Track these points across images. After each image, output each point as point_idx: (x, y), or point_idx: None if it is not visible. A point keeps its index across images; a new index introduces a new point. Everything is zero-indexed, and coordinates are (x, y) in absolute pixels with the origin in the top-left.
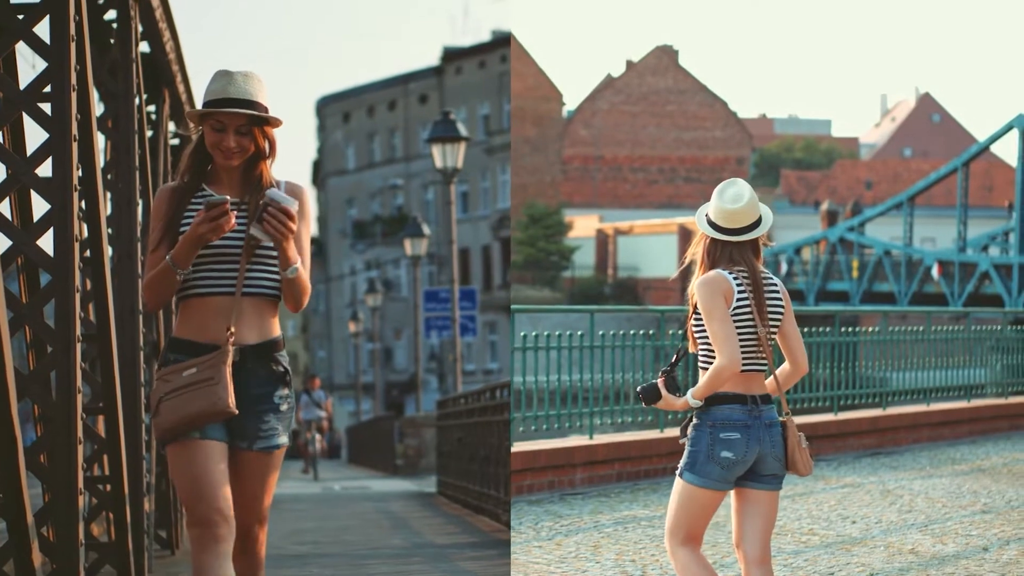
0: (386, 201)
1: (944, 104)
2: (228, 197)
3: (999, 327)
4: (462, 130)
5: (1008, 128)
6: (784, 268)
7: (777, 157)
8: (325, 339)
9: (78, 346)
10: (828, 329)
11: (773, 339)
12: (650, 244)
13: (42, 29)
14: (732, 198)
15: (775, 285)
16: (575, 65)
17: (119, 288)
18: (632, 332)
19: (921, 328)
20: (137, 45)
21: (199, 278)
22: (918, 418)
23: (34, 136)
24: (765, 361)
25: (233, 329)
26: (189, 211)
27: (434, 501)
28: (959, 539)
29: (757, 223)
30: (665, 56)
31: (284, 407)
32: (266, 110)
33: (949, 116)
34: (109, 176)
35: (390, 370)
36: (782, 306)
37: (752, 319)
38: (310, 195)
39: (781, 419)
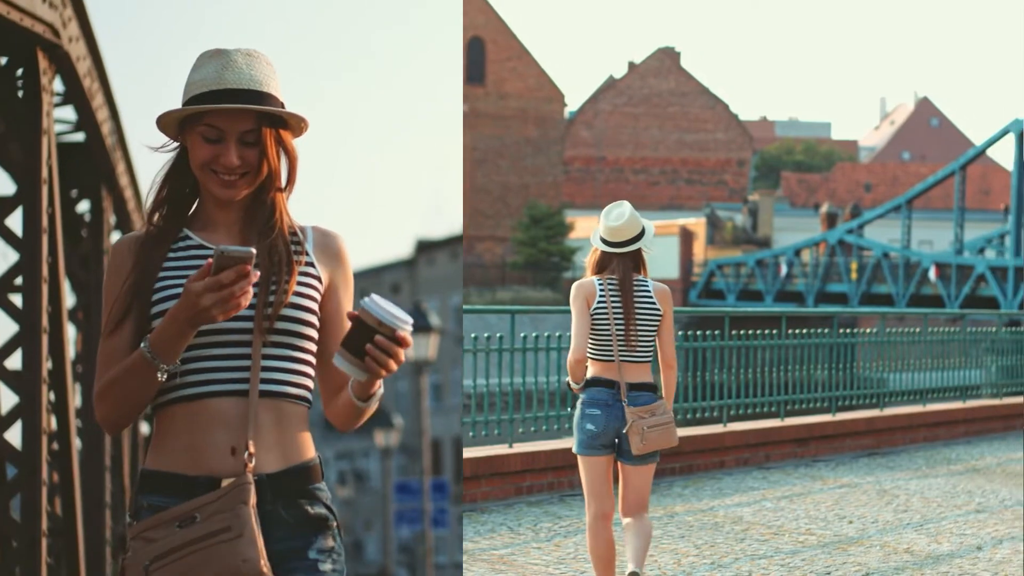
0: None
1: (942, 108)
2: (253, 250)
3: (994, 329)
4: (434, 321)
5: (1004, 132)
6: (784, 270)
7: (778, 159)
8: None
9: (44, 541)
10: (827, 330)
11: (651, 336)
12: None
13: (14, 220)
14: (615, 218)
15: (647, 290)
16: (577, 66)
17: (86, 481)
18: None
19: (918, 330)
20: (109, 236)
21: (187, 371)
22: (914, 419)
23: (3, 327)
24: (631, 354)
25: (252, 449)
26: (167, 271)
27: None
28: (954, 538)
29: (637, 238)
30: (667, 58)
31: (327, 566)
32: (281, 106)
33: (947, 120)
34: (79, 368)
35: (360, 563)
36: (654, 308)
37: (607, 318)
38: None
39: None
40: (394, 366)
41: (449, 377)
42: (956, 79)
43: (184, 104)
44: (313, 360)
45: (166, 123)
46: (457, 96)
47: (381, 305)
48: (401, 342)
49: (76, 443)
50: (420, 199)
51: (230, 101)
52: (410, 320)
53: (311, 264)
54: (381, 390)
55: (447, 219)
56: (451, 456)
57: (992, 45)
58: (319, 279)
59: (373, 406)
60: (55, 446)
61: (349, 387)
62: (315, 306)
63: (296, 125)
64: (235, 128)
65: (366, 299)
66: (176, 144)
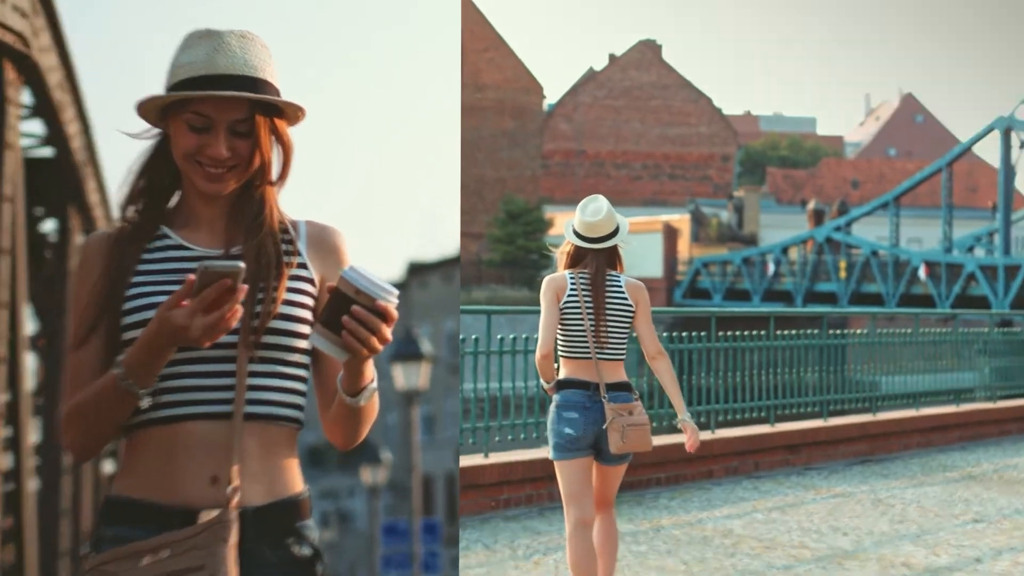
0: None
1: (927, 105)
2: (241, 264)
3: (986, 329)
4: (426, 348)
5: (989, 130)
6: (771, 268)
7: (763, 155)
8: None
9: None
10: (816, 331)
11: (622, 332)
12: (633, 242)
13: None
14: (592, 212)
15: (619, 286)
16: (556, 58)
17: (42, 527)
18: None
19: (909, 330)
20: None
21: (164, 390)
22: (908, 424)
23: None
24: (605, 351)
25: (237, 481)
26: (141, 274)
27: None
28: (952, 550)
29: (613, 234)
30: (648, 51)
31: None
32: (277, 93)
33: (932, 117)
34: (39, 401)
35: None
36: (626, 304)
37: (579, 314)
38: None
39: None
40: (376, 344)
41: (442, 408)
42: (940, 76)
43: (169, 89)
44: (305, 374)
45: (148, 109)
46: (456, 99)
47: (362, 274)
48: (383, 313)
49: (31, 484)
50: (417, 204)
51: (222, 87)
52: (395, 291)
53: (304, 265)
54: (374, 384)
55: (443, 226)
56: (443, 494)
57: (975, 43)
58: (312, 281)
59: (366, 404)
60: (10, 487)
61: (338, 383)
62: (307, 314)
63: (292, 114)
64: (225, 117)
65: (346, 268)
66: (156, 131)
